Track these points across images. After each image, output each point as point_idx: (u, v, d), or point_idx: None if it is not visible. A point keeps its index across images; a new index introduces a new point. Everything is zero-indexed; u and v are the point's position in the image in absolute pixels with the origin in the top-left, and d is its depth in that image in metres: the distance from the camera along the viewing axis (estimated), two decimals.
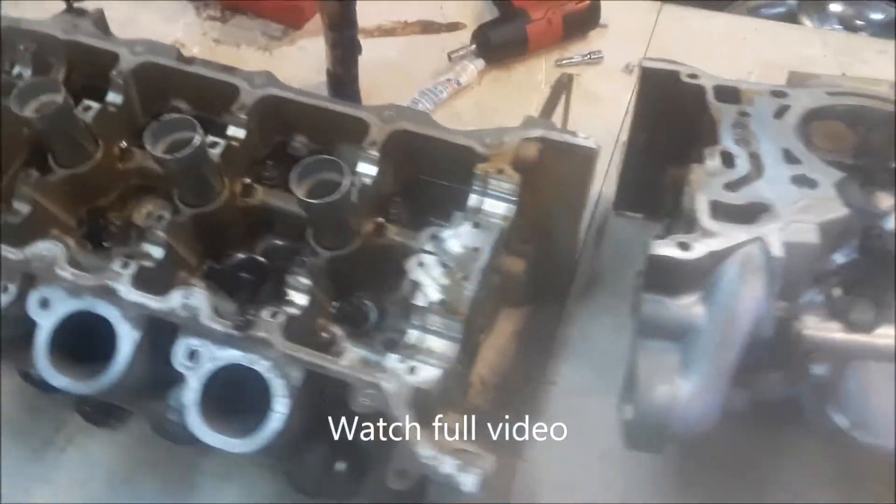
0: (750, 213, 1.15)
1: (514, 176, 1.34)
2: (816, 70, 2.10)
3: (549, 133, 1.40)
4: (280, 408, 1.13)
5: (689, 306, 1.11)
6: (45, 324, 1.22)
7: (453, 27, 2.34)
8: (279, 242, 1.46)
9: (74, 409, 1.43)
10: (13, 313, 1.26)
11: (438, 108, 2.09)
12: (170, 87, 1.57)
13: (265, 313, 1.21)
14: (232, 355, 1.17)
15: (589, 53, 2.21)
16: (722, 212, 1.16)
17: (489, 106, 2.14)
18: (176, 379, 1.29)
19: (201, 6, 2.39)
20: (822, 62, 2.24)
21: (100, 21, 1.67)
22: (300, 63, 2.24)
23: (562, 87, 1.87)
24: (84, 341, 1.24)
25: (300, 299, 1.27)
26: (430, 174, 1.47)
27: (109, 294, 1.23)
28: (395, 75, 2.19)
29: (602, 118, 2.07)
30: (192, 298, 1.22)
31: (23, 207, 1.37)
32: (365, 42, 2.02)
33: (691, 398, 1.07)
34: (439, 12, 2.38)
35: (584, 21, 2.23)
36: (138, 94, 1.55)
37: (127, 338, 1.20)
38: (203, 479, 1.39)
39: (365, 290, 1.42)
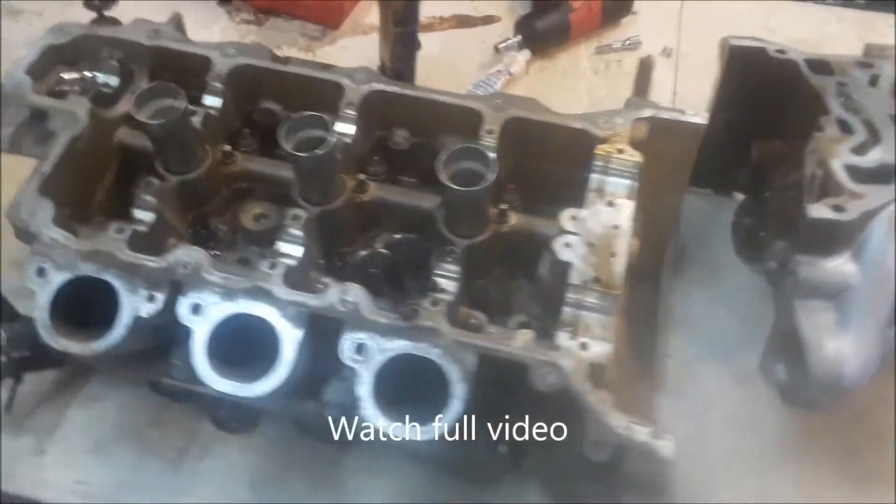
0: (882, 175, 1.22)
1: (636, 154, 1.38)
2: (839, 43, 2.23)
3: (659, 112, 1.45)
4: (458, 392, 1.15)
5: (841, 265, 1.17)
6: (201, 329, 1.21)
7: (488, 20, 2.38)
8: (397, 236, 1.47)
9: (207, 418, 1.41)
10: (150, 323, 1.24)
11: None
12: (262, 89, 1.56)
13: (425, 302, 1.22)
14: (401, 346, 1.18)
15: (627, 40, 2.27)
16: (856, 175, 1.23)
17: (540, 94, 2.11)
18: (328, 375, 1.30)
19: (233, 10, 2.37)
20: (843, 37, 2.36)
21: (179, 25, 1.64)
22: (345, 62, 2.19)
23: (647, 69, 1.92)
24: (231, 345, 1.24)
25: (450, 287, 1.28)
26: (537, 159, 1.50)
27: (264, 295, 1.22)
28: (441, 69, 2.21)
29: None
30: (349, 294, 1.22)
31: (146, 216, 1.35)
32: None
33: (855, 351, 1.13)
34: (471, 6, 2.41)
35: (619, 8, 2.30)
36: (232, 97, 1.54)
37: (289, 338, 1.20)
38: (349, 476, 1.39)
39: (489, 277, 1.44)
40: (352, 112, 1.46)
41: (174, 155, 1.42)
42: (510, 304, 1.44)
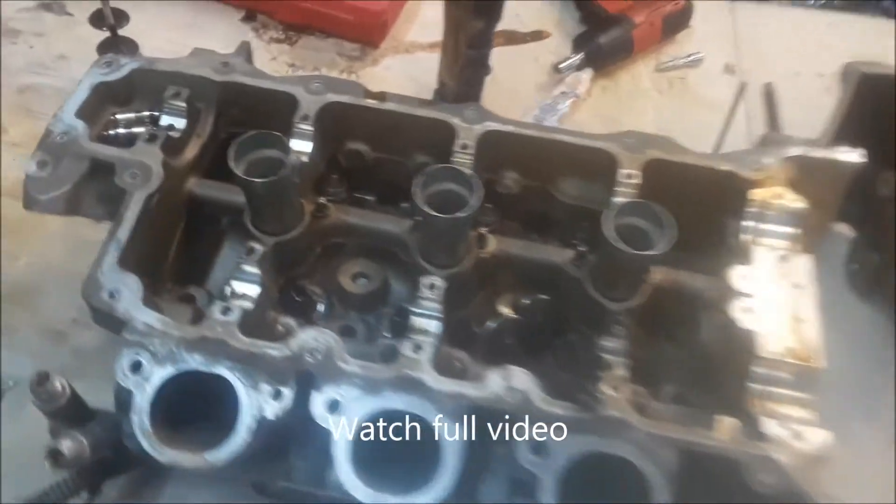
0: None
1: (798, 199, 1.24)
2: None
3: (810, 150, 1.31)
4: (661, 497, 0.98)
5: None
6: (342, 433, 1.01)
7: (537, 36, 2.21)
8: (529, 298, 1.29)
9: None
10: (278, 425, 1.04)
11: (563, 123, 1.96)
12: (350, 128, 1.37)
13: (606, 388, 1.05)
14: (586, 442, 1.00)
15: (689, 56, 2.14)
16: None
17: (607, 116, 2.02)
18: (480, 470, 1.11)
19: (260, 28, 2.14)
20: None
21: (248, 56, 1.43)
22: (391, 84, 2.02)
23: (771, 97, 1.78)
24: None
25: (615, 361, 1.11)
26: (676, 205, 1.34)
27: (415, 386, 1.03)
28: (498, 90, 2.01)
29: (717, 120, 2.01)
30: (513, 380, 1.04)
31: (251, 289, 1.14)
32: None
33: None
34: (517, 20, 2.24)
35: (678, 23, 2.16)
36: (320, 139, 1.33)
37: (451, 438, 1.01)
38: None
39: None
40: (468, 155, 1.28)
41: (271, 213, 1.21)
42: (655, 373, 1.28)
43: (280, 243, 1.22)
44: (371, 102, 1.33)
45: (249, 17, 2.15)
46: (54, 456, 1.04)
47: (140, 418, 1.02)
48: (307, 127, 1.30)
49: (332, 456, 1.00)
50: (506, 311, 1.28)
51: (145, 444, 1.02)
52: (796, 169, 1.29)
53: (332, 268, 1.31)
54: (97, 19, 2.08)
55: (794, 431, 1.02)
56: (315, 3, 2.04)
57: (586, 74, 2.03)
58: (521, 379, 1.04)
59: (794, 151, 1.30)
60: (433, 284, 1.15)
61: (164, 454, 1.02)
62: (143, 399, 1.03)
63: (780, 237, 1.23)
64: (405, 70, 2.09)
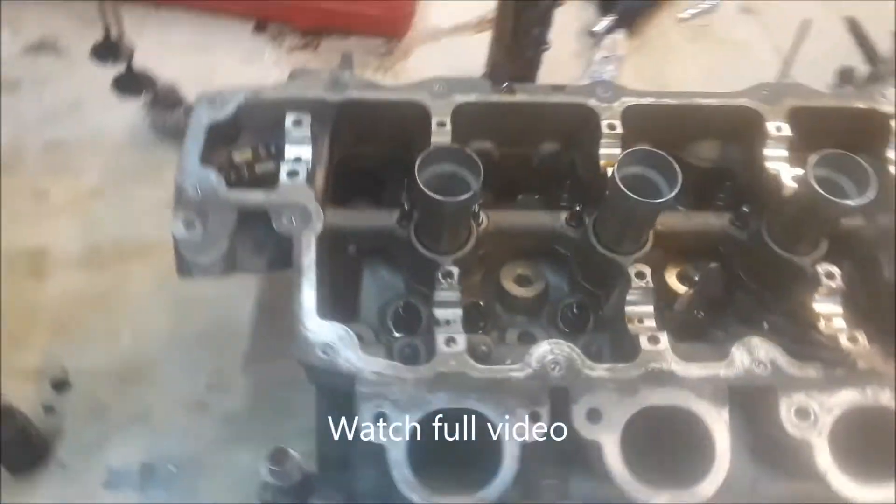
0: None
1: None
2: None
3: None
4: None
5: None
6: (610, 441, 0.98)
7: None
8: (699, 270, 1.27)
9: None
10: (543, 448, 0.99)
11: None
12: (478, 128, 1.30)
13: (842, 340, 1.06)
14: (848, 397, 1.01)
15: (707, 3, 2.16)
16: None
17: (650, 75, 2.01)
18: None
19: (275, 37, 2.02)
20: None
21: (352, 68, 1.33)
22: (431, 73, 1.97)
23: (856, 27, 1.79)
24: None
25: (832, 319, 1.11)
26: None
27: (666, 379, 1.01)
28: None
29: (752, 61, 2.05)
30: (758, 352, 1.03)
31: (452, 314, 1.08)
32: (478, 37, 1.87)
33: None
34: None
35: None
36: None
37: (718, 423, 0.99)
38: None
39: None
40: (615, 135, 1.24)
41: (452, 231, 1.15)
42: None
43: (458, 260, 1.16)
44: (503, 97, 1.27)
45: (260, 28, 2.03)
46: None
47: (401, 472, 0.96)
48: (444, 135, 1.23)
49: (597, 461, 0.97)
50: (678, 285, 1.27)
51: (414, 497, 0.95)
52: None
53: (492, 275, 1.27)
54: (102, 53, 1.92)
55: None
56: (336, 3, 1.94)
57: (620, 35, 2.02)
58: (764, 349, 1.04)
59: None
60: (640, 272, 1.12)
61: (434, 501, 0.96)
62: (398, 452, 0.96)
63: None
64: (438, 58, 2.02)
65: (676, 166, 1.11)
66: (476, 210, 1.22)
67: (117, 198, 1.62)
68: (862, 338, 1.07)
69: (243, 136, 1.27)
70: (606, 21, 2.02)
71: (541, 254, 1.29)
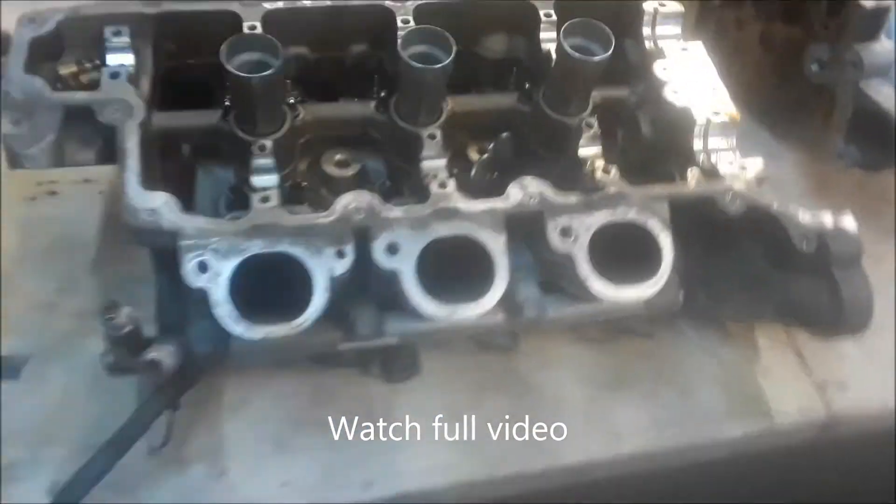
0: None
1: (676, 4, 1.51)
2: None
3: None
4: (665, 241, 1.23)
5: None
6: (407, 267, 1.15)
7: None
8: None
9: (371, 376, 1.36)
10: (345, 280, 1.16)
11: None
12: (290, 34, 1.44)
13: (597, 174, 1.27)
14: (601, 216, 1.22)
15: None
16: None
17: None
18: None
19: None
20: None
21: None
22: None
23: None
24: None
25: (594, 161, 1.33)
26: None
27: (452, 215, 1.19)
28: None
29: None
30: (529, 188, 1.23)
31: (270, 180, 1.23)
32: None
33: None
34: None
35: None
36: None
37: (497, 245, 1.19)
38: None
39: None
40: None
41: (263, 113, 1.29)
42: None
43: (276, 142, 1.31)
44: (307, 3, 1.42)
45: None
46: (153, 367, 1.10)
47: (224, 309, 1.10)
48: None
49: (399, 291, 1.15)
50: (476, 156, 1.46)
51: (238, 329, 1.10)
52: None
53: (313, 162, 1.42)
54: None
55: (739, 165, 1.31)
56: None
57: None
58: (534, 185, 1.24)
59: None
60: (433, 134, 1.30)
61: (258, 332, 1.11)
62: (220, 292, 1.10)
63: (673, 37, 1.49)
64: None
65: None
66: (293, 101, 1.38)
67: None
68: (615, 170, 1.29)
69: (67, 53, 1.37)
70: None
71: (358, 141, 1.44)
